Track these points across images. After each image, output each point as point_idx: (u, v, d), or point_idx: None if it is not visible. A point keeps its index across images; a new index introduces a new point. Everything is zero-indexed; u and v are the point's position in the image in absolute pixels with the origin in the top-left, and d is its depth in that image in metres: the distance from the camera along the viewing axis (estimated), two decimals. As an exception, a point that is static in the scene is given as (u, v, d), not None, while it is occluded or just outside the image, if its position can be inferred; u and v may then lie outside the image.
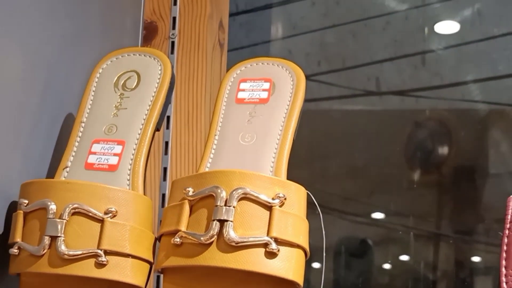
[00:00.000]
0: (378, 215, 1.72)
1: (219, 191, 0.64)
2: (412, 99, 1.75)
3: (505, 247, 0.68)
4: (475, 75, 1.68)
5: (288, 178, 0.69)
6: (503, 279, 0.67)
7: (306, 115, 0.76)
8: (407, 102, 1.76)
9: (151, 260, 0.68)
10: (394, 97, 1.76)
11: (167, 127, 1.00)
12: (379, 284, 1.71)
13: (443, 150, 1.72)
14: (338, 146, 1.74)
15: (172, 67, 0.78)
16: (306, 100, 0.77)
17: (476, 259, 1.65)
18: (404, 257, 1.69)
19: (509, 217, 0.70)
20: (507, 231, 0.69)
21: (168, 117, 1.00)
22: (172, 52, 1.02)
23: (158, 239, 0.68)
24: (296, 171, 0.72)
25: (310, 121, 0.78)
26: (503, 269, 0.67)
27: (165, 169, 0.99)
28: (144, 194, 0.70)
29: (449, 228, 1.69)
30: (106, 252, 0.64)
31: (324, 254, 0.71)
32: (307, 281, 0.67)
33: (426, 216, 1.66)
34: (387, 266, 1.71)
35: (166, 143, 1.00)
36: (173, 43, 1.03)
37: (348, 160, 1.74)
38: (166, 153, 0.99)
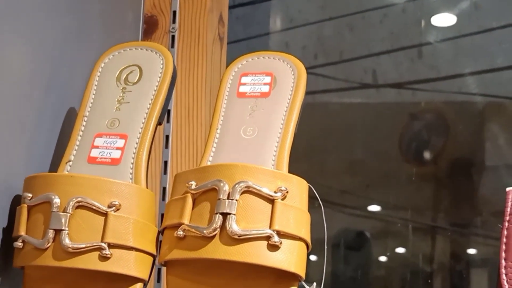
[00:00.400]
0: (375, 208, 1.73)
1: (221, 184, 0.64)
2: (409, 92, 1.76)
3: (504, 239, 0.69)
4: (472, 68, 1.69)
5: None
6: (503, 271, 0.67)
7: (302, 107, 0.76)
8: (404, 95, 1.76)
9: (154, 253, 0.68)
10: (391, 89, 1.77)
11: (168, 121, 1.00)
12: (376, 276, 1.72)
13: (440, 143, 1.72)
14: (335, 138, 1.74)
15: (173, 61, 0.79)
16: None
17: (472, 251, 1.66)
18: (401, 250, 1.69)
19: (508, 209, 0.71)
20: (506, 224, 0.70)
21: (169, 111, 1.00)
22: (172, 46, 1.02)
23: (161, 232, 0.69)
24: (293, 164, 0.72)
25: (307, 113, 0.78)
26: (503, 261, 0.68)
27: (165, 163, 1.00)
28: (146, 187, 0.71)
29: (446, 221, 1.70)
30: (110, 245, 0.64)
31: (326, 247, 0.71)
32: (305, 274, 0.67)
33: (424, 209, 1.67)
34: (384, 258, 1.71)
35: (167, 136, 1.00)
36: (173, 37, 1.03)
37: (346, 153, 1.74)
38: (166, 146, 1.00)
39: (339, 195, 1.72)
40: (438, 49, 1.71)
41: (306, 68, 0.78)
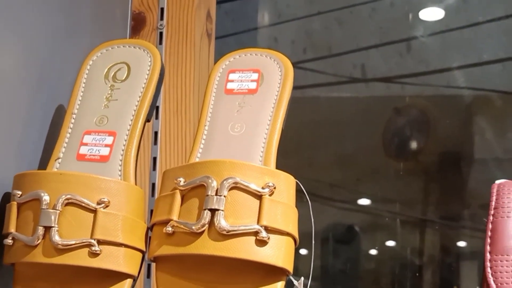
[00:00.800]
0: (365, 201, 1.74)
1: (210, 180, 0.65)
2: (398, 86, 1.76)
3: (489, 233, 0.70)
4: (460, 61, 1.69)
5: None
6: (488, 264, 0.68)
7: (291, 102, 0.77)
8: (393, 89, 1.77)
9: (144, 249, 0.68)
10: (380, 84, 1.77)
11: (156, 117, 1.00)
12: (366, 269, 1.72)
13: (427, 137, 1.73)
14: (325, 132, 1.75)
15: (161, 58, 0.79)
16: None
17: (462, 244, 1.67)
18: (391, 243, 1.70)
19: (493, 203, 0.72)
20: (491, 217, 0.71)
21: (157, 107, 1.00)
22: (160, 43, 1.03)
23: (150, 228, 0.69)
24: (283, 158, 0.73)
25: (296, 108, 0.79)
26: (488, 254, 0.68)
27: (154, 159, 1.00)
28: (135, 184, 0.71)
29: (435, 214, 1.71)
30: (99, 242, 0.65)
31: (313, 242, 0.72)
32: (295, 267, 0.68)
33: (413, 202, 1.68)
34: (373, 252, 1.72)
35: (155, 133, 1.00)
36: (161, 33, 1.03)
37: (335, 147, 1.75)
38: (155, 143, 1.00)
39: (329, 189, 1.72)
40: (427, 43, 1.72)
41: (295, 63, 0.79)
